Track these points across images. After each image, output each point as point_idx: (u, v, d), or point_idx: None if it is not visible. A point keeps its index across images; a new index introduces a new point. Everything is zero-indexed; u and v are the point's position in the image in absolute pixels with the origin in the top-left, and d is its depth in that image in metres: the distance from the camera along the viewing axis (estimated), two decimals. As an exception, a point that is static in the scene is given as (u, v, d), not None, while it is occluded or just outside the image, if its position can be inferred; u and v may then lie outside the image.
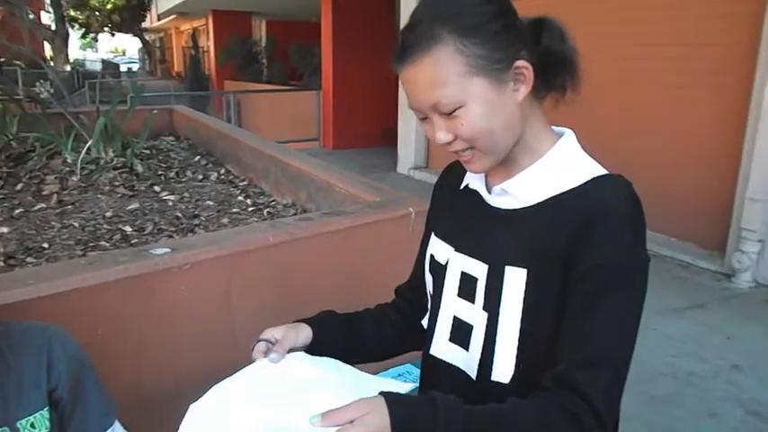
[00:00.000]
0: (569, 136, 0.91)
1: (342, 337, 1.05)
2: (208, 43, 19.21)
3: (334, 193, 2.34)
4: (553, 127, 0.93)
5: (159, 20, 26.56)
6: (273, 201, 2.99)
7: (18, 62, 15.47)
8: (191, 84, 18.73)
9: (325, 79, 10.06)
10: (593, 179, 0.85)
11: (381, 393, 0.76)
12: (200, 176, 3.53)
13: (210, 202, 2.97)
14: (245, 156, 3.49)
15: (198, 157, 3.98)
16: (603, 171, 0.87)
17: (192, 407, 0.84)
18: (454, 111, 0.81)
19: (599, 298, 0.80)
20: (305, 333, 0.99)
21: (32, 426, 1.06)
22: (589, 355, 0.79)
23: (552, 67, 0.88)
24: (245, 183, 3.40)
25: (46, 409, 1.08)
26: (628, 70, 4.92)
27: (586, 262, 0.81)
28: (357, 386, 0.84)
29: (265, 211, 2.82)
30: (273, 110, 11.78)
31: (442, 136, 0.84)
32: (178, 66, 28.58)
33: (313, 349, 0.97)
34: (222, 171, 3.66)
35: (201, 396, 0.86)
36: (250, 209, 2.89)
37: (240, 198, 3.06)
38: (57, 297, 1.26)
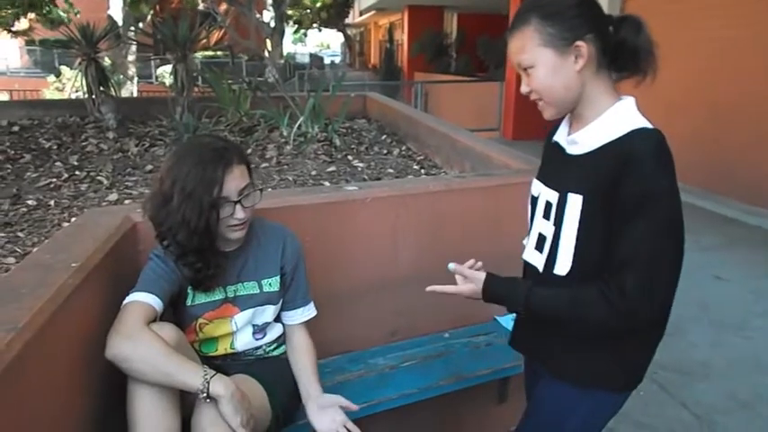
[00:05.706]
0: (627, 100, 1.21)
1: None
2: (402, 37, 20.30)
3: (492, 162, 2.75)
4: (622, 96, 1.22)
5: (360, 15, 28.58)
6: (444, 171, 3.48)
7: (242, 55, 17.87)
8: (384, 75, 20.01)
9: (509, 70, 10.18)
10: (632, 131, 1.13)
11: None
12: (385, 151, 4.12)
13: (391, 170, 3.56)
14: (423, 134, 4.00)
15: (384, 136, 4.56)
16: (644, 125, 1.14)
17: None
18: (528, 69, 1.19)
19: (631, 217, 1.10)
20: None
21: (270, 285, 1.65)
22: (621, 260, 1.11)
23: (625, 53, 1.18)
24: (422, 157, 3.92)
25: (278, 276, 1.66)
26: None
27: (624, 191, 1.10)
28: None
29: (434, 179, 3.32)
30: (458, 100, 12.23)
31: (524, 87, 1.22)
32: (374, 58, 30.40)
33: None
34: (404, 147, 4.22)
35: None
36: (422, 176, 3.41)
37: (415, 168, 3.60)
38: (283, 209, 1.86)
